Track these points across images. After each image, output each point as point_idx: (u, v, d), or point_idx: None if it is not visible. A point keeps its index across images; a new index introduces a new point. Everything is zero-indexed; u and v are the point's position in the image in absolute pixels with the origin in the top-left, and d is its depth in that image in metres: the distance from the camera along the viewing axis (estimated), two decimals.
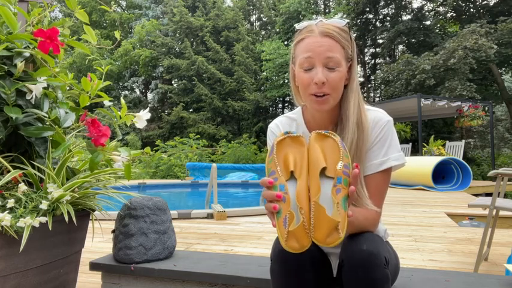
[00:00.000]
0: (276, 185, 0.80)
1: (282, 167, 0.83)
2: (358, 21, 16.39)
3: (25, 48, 1.19)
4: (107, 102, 1.38)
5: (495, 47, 11.32)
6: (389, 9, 16.51)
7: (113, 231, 1.57)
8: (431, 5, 15.45)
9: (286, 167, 0.84)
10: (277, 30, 18.18)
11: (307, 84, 0.96)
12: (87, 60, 16.20)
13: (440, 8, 15.45)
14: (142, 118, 1.37)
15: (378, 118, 1.03)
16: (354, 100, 1.00)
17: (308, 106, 1.04)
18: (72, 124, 1.26)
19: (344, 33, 0.97)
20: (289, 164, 0.84)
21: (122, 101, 1.49)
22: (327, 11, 17.65)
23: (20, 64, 1.15)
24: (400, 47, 16.80)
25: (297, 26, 1.01)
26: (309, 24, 0.98)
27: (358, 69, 1.04)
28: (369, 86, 17.94)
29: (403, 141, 11.95)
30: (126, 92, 19.70)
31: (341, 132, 0.99)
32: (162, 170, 12.08)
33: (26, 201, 1.12)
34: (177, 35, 18.53)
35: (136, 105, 18.51)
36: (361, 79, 16.90)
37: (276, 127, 1.15)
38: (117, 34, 1.44)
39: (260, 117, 17.67)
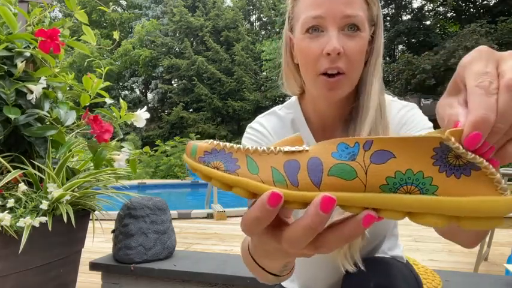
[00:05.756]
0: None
1: None
2: None
3: (25, 48, 1.19)
4: (108, 100, 1.38)
5: (495, 47, 11.31)
6: (390, 9, 16.51)
7: (113, 231, 1.57)
8: (431, 5, 15.45)
9: None
10: (277, 30, 18.18)
11: (314, 57, 0.62)
12: (85, 61, 16.19)
13: (440, 8, 15.46)
14: (141, 117, 1.37)
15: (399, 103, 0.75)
16: (375, 83, 0.65)
17: (314, 92, 0.67)
18: (73, 123, 1.26)
19: None
20: None
21: (121, 100, 1.49)
22: None
23: (20, 64, 1.15)
24: (400, 46, 16.81)
25: None
26: None
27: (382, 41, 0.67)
28: None
29: None
30: (126, 92, 19.71)
31: (357, 125, 0.65)
32: (162, 170, 12.07)
33: (26, 201, 1.12)
34: (177, 35, 18.53)
35: (136, 105, 18.52)
36: None
37: (261, 127, 0.76)
38: (115, 35, 1.44)
39: None
